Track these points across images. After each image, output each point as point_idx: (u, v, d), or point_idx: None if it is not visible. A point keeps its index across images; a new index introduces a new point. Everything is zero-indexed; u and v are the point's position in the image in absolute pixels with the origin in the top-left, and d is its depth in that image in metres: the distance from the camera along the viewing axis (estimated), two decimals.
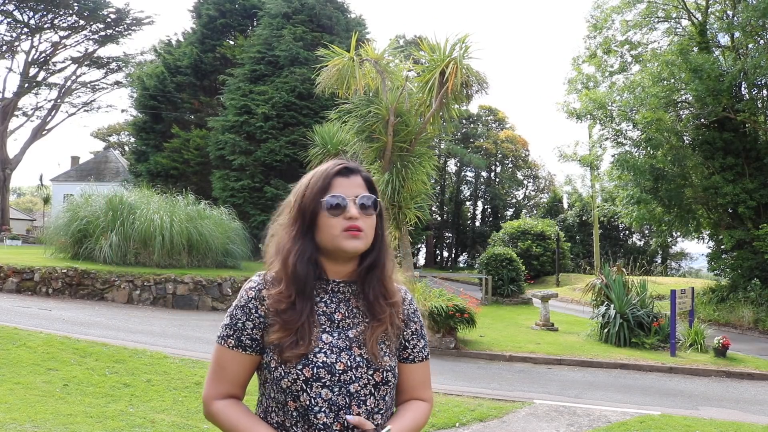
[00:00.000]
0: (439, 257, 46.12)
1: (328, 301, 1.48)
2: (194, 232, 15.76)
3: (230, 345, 1.44)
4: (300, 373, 1.37)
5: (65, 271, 13.84)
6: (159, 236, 14.95)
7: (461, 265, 44.91)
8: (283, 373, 1.39)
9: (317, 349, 1.40)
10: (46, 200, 43.09)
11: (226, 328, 1.46)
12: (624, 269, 13.37)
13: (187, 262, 15.75)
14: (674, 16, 20.19)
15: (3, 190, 34.71)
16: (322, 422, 1.37)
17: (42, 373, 6.72)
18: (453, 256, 47.19)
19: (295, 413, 1.39)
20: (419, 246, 40.01)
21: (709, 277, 23.89)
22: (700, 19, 19.02)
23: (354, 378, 1.40)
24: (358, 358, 1.42)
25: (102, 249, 14.75)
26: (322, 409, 1.37)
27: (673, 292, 11.49)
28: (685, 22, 20.20)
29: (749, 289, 16.51)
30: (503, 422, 6.32)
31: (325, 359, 1.39)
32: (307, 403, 1.37)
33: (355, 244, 1.44)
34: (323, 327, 1.44)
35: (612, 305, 12.00)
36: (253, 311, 1.45)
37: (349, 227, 1.43)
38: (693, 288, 13.92)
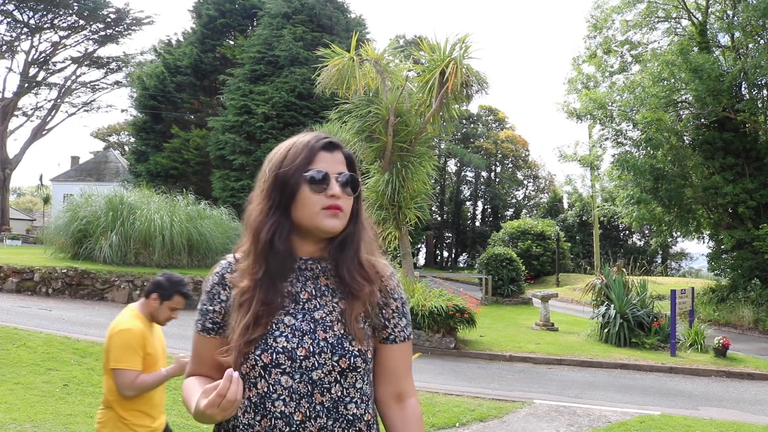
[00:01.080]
0: (439, 257, 46.10)
1: (294, 281, 1.38)
2: (194, 232, 15.77)
3: (198, 329, 1.40)
4: (258, 358, 1.29)
5: (65, 271, 13.84)
6: (159, 236, 14.95)
7: (461, 265, 44.89)
8: (241, 359, 1.31)
9: (278, 333, 1.31)
10: (46, 200, 43.11)
11: (197, 314, 1.41)
12: (624, 269, 13.36)
13: (188, 262, 15.75)
14: (674, 16, 20.18)
15: (3, 190, 34.71)
16: (279, 410, 1.29)
17: (42, 373, 6.72)
18: (453, 256, 47.18)
19: (247, 402, 1.31)
20: (419, 246, 39.99)
21: (709, 277, 23.87)
22: (700, 19, 19.01)
23: (317, 364, 1.30)
24: (322, 343, 1.31)
25: (102, 249, 14.75)
26: (281, 397, 1.29)
27: (673, 292, 11.49)
28: (685, 22, 20.20)
29: (749, 289, 16.50)
30: (503, 422, 6.32)
31: (285, 344, 1.30)
32: (265, 390, 1.30)
33: (334, 222, 1.35)
34: (287, 309, 1.35)
35: (612, 305, 12.00)
36: (216, 296, 1.39)
37: (330, 206, 1.34)
38: (693, 288, 13.91)
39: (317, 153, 1.39)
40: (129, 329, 2.79)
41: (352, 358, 1.33)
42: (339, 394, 1.32)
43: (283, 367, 1.29)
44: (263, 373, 1.30)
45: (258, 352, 1.30)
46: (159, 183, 24.56)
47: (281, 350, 1.30)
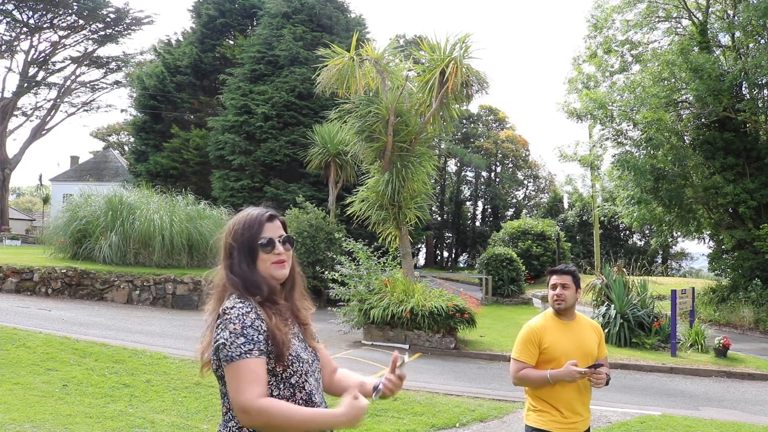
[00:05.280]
0: (439, 257, 46.07)
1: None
2: (194, 232, 15.75)
3: (256, 355, 1.72)
4: (300, 369, 1.81)
5: (65, 271, 13.82)
6: (159, 236, 14.93)
7: (461, 265, 44.85)
8: (292, 372, 1.79)
9: (300, 350, 1.84)
10: (46, 200, 43.04)
11: (244, 345, 1.71)
12: (624, 269, 13.34)
13: (187, 262, 15.73)
14: (675, 15, 20.17)
15: (2, 190, 34.67)
16: (318, 401, 1.84)
17: (41, 373, 6.70)
18: (453, 256, 47.15)
19: (301, 401, 1.79)
20: (419, 246, 39.96)
21: (710, 277, 23.85)
22: (700, 18, 18.99)
23: (316, 367, 1.91)
24: (312, 353, 1.92)
25: (101, 249, 14.73)
26: (318, 391, 1.87)
27: (674, 292, 11.48)
28: (685, 22, 20.19)
29: (750, 289, 16.47)
30: (503, 422, 6.30)
31: (306, 357, 1.86)
32: (309, 389, 1.82)
33: (283, 272, 1.90)
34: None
35: (612, 305, 11.98)
36: (260, 328, 1.75)
37: (277, 261, 1.88)
38: (693, 288, 13.89)
39: (264, 224, 1.90)
40: None
41: (319, 361, 1.97)
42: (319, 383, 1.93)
43: (308, 372, 1.85)
44: (306, 378, 1.83)
45: (299, 365, 1.81)
46: (159, 183, 24.50)
47: (305, 361, 1.85)
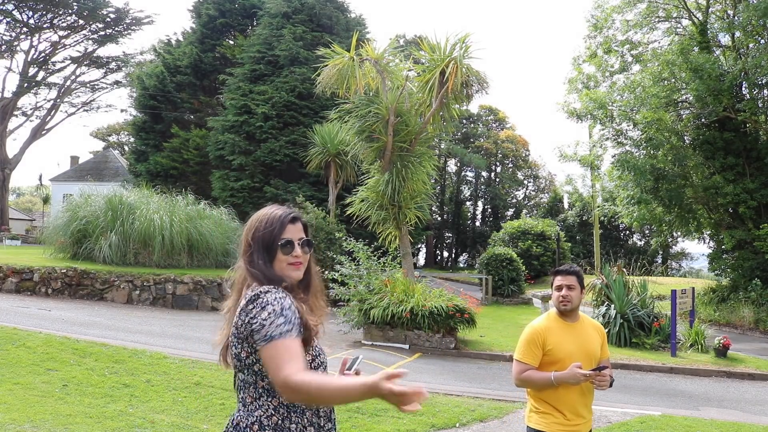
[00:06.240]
0: (439, 257, 46.06)
1: None
2: (194, 232, 15.74)
3: (294, 335, 1.75)
4: (323, 362, 1.92)
5: (65, 271, 13.82)
6: (159, 236, 14.93)
7: (461, 265, 44.84)
8: (320, 363, 1.90)
9: (320, 344, 1.97)
10: (46, 200, 43.04)
11: (286, 325, 1.74)
12: (624, 269, 13.34)
13: (187, 262, 15.72)
14: (675, 15, 20.16)
15: (2, 190, 34.67)
16: None
17: (41, 373, 6.70)
18: (453, 256, 47.15)
19: None
20: (419, 246, 39.94)
21: (710, 277, 23.84)
22: (700, 18, 18.98)
23: (324, 359, 1.98)
24: (321, 347, 2.00)
25: (101, 249, 14.73)
26: None
27: (674, 292, 11.48)
28: (685, 22, 20.18)
29: (750, 289, 16.47)
30: (503, 422, 6.30)
31: (321, 347, 1.98)
32: None
33: (298, 274, 1.93)
34: None
35: (612, 305, 11.98)
36: (297, 311, 1.81)
37: (294, 262, 1.92)
38: (693, 288, 13.89)
39: (286, 225, 1.92)
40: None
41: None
42: None
43: (323, 362, 1.95)
44: (320, 367, 1.92)
45: (322, 356, 1.94)
46: (159, 183, 24.51)
47: (319, 351, 1.96)
